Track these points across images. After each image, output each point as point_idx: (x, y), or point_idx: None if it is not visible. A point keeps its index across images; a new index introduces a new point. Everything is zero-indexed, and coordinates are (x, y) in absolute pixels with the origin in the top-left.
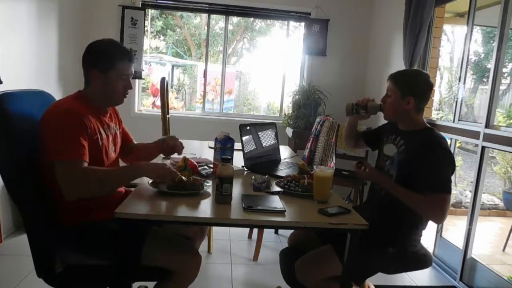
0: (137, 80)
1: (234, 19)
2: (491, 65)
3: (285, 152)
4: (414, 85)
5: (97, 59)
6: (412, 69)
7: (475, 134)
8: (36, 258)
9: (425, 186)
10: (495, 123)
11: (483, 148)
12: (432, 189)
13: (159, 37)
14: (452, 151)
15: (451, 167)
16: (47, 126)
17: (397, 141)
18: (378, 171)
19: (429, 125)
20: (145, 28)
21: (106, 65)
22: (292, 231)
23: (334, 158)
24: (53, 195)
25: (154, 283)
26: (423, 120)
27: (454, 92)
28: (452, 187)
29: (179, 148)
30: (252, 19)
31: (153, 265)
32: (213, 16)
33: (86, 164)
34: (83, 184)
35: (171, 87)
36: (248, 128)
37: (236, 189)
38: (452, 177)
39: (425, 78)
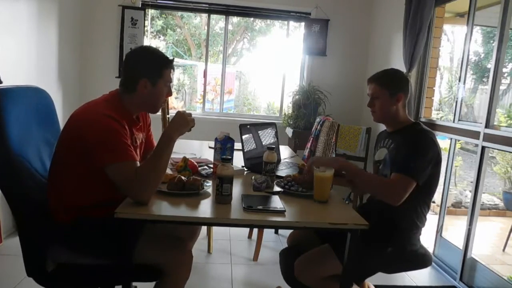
0: None
1: (234, 19)
2: (491, 65)
3: (285, 152)
4: (399, 81)
5: (147, 68)
6: (389, 69)
7: (475, 134)
8: (27, 256)
9: (395, 165)
10: (496, 123)
11: (483, 148)
12: (398, 169)
13: (159, 37)
14: (452, 151)
15: (429, 157)
16: (91, 133)
17: (386, 143)
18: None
19: (413, 120)
20: (145, 28)
21: (156, 74)
22: (291, 230)
23: None
24: (51, 193)
25: (144, 283)
26: (407, 116)
27: (454, 92)
28: (418, 178)
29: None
30: (252, 19)
31: (143, 263)
32: (213, 16)
33: (138, 164)
34: (144, 183)
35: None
36: (248, 128)
37: (236, 189)
38: (453, 178)
39: (403, 74)
